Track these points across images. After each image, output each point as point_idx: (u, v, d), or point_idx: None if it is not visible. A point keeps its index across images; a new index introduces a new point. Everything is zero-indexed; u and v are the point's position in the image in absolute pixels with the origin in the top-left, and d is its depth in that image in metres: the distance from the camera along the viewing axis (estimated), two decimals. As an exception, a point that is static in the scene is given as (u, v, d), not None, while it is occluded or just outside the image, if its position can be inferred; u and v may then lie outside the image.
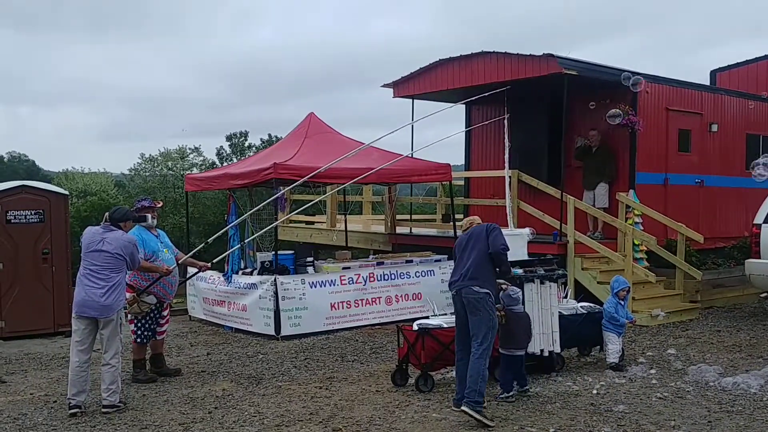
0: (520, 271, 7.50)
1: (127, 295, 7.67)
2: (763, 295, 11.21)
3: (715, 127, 13.77)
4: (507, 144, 10.76)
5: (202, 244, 9.69)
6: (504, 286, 7.04)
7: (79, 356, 6.70)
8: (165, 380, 7.84)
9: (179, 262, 8.09)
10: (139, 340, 7.92)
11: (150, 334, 7.97)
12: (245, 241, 10.29)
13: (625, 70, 12.61)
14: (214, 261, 8.68)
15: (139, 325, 7.90)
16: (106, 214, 7.14)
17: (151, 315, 7.92)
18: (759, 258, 10.62)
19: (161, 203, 9.18)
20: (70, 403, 6.65)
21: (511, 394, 6.88)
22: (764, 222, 10.60)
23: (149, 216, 7.90)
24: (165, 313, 8.12)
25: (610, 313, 7.96)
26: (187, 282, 11.81)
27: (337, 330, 10.33)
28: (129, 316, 7.79)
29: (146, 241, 7.76)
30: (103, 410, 6.64)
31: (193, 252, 8.71)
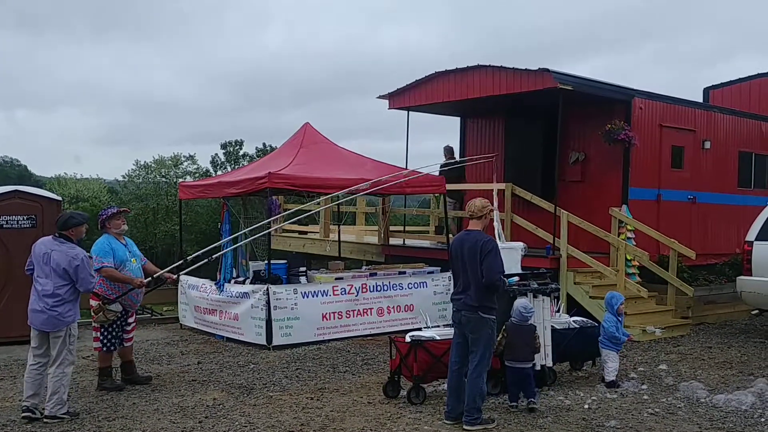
0: (515, 279, 7.52)
1: (93, 302, 7.65)
2: (754, 312, 11.25)
3: (708, 144, 13.86)
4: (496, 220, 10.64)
5: (180, 261, 9.58)
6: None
7: (35, 359, 6.67)
8: (155, 388, 7.79)
9: (155, 276, 7.99)
10: (105, 348, 7.83)
11: (117, 341, 7.89)
12: (228, 249, 10.22)
13: (619, 86, 12.73)
14: (181, 273, 8.60)
15: (105, 333, 7.81)
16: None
17: (117, 323, 7.83)
18: (750, 275, 10.66)
19: (129, 210, 9.07)
20: (23, 406, 6.61)
21: (514, 404, 6.89)
22: (756, 239, 10.65)
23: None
24: (131, 320, 8.05)
25: (611, 332, 7.84)
26: (179, 290, 11.80)
27: (329, 340, 10.30)
28: (94, 323, 7.75)
29: (115, 250, 7.69)
30: (45, 419, 6.57)
31: (177, 264, 8.64)
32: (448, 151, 14.35)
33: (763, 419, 6.69)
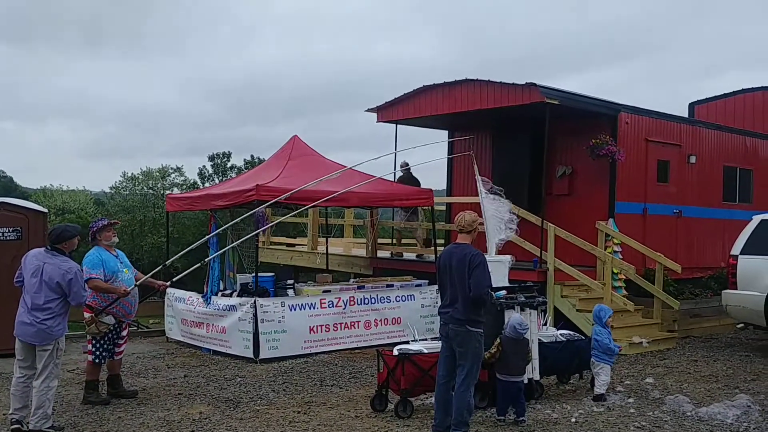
0: (503, 292, 7.54)
1: (86, 315, 7.60)
2: (739, 325, 11.33)
3: (693, 159, 13.98)
4: (478, 177, 10.67)
5: (160, 266, 9.52)
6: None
7: (21, 371, 6.62)
8: (141, 402, 7.74)
9: (138, 282, 7.96)
10: (96, 360, 7.78)
11: (107, 354, 7.85)
12: (209, 258, 10.18)
13: (605, 101, 12.84)
14: (174, 280, 8.59)
15: (97, 345, 7.77)
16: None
17: (110, 335, 7.80)
18: (736, 289, 10.74)
19: (119, 222, 9.03)
20: (11, 419, 6.54)
21: (502, 418, 6.89)
22: (741, 253, 10.73)
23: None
24: (123, 333, 8.01)
25: (605, 344, 7.84)
26: (165, 303, 11.74)
27: (316, 353, 10.28)
28: (87, 336, 7.69)
29: (106, 262, 7.66)
30: None
31: (155, 270, 8.59)
32: (403, 165, 14.36)
33: (748, 432, 6.73)
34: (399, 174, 13.88)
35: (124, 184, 42.05)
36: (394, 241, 15.26)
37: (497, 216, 9.25)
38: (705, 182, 14.33)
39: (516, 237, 11.72)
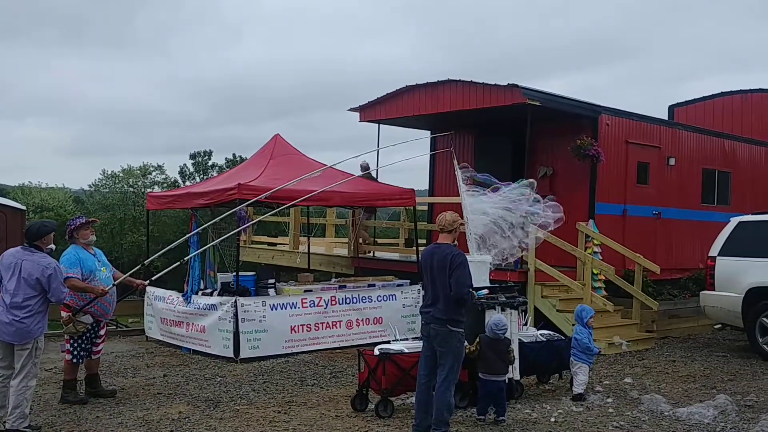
0: (484, 292, 7.56)
1: (63, 314, 7.53)
2: (717, 326, 11.46)
3: (672, 161, 14.12)
4: (458, 174, 10.64)
5: (137, 266, 9.45)
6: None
7: (0, 371, 6.55)
8: (120, 402, 7.68)
9: (116, 281, 7.89)
10: (74, 360, 7.72)
11: (85, 353, 7.79)
12: (189, 256, 10.13)
13: (587, 103, 12.93)
14: (153, 279, 8.54)
15: (75, 344, 7.70)
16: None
17: (87, 334, 7.73)
18: (713, 290, 10.86)
19: (97, 220, 8.95)
20: None
21: (482, 417, 6.92)
22: (719, 255, 10.85)
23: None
24: (101, 332, 7.95)
25: (584, 343, 7.90)
26: (145, 301, 11.65)
27: (297, 353, 10.25)
28: (65, 335, 7.63)
29: (83, 260, 7.59)
30: None
31: (134, 270, 8.53)
32: (364, 167, 14.38)
33: (724, 432, 6.81)
34: (359, 175, 13.89)
35: (104, 181, 41.70)
36: (353, 240, 15.32)
37: (512, 208, 8.75)
38: (684, 184, 14.47)
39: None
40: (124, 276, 8.02)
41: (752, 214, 11.30)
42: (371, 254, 14.53)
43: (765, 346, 10.27)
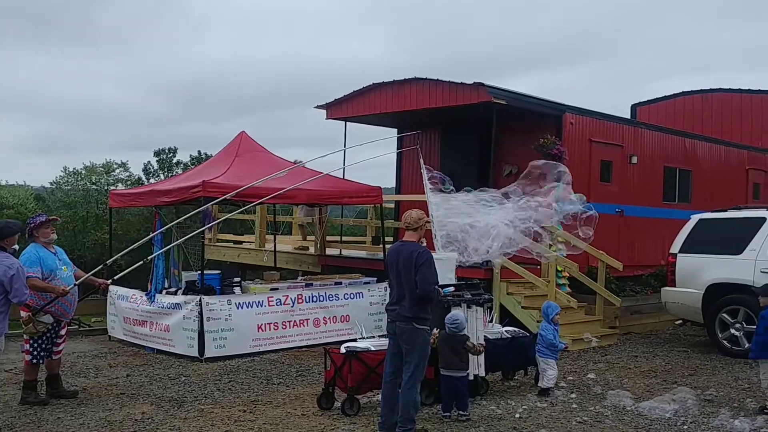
0: (450, 289, 7.59)
1: (23, 313, 7.39)
2: (678, 322, 11.66)
3: (635, 159, 14.34)
4: (424, 173, 10.66)
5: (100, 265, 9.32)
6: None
7: None
8: (82, 402, 7.56)
9: (78, 281, 7.76)
10: (34, 360, 7.57)
11: (45, 354, 7.65)
12: (153, 255, 10.02)
13: (551, 101, 13.06)
14: (115, 278, 8.42)
15: (35, 345, 7.56)
16: None
17: (48, 334, 7.59)
18: (674, 286, 11.05)
19: (58, 218, 8.78)
20: None
21: (447, 414, 6.95)
22: (680, 251, 11.04)
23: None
24: (62, 332, 7.81)
25: (549, 339, 7.98)
26: (108, 300, 11.49)
27: (264, 352, 10.19)
28: (24, 335, 7.49)
29: (43, 259, 7.45)
30: None
31: (96, 269, 8.41)
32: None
33: (685, 427, 6.94)
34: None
35: (66, 179, 41.00)
36: (300, 237, 15.74)
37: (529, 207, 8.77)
38: (646, 182, 14.71)
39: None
40: (87, 275, 7.89)
41: (712, 211, 11.52)
42: (339, 252, 14.52)
43: (724, 342, 10.48)
